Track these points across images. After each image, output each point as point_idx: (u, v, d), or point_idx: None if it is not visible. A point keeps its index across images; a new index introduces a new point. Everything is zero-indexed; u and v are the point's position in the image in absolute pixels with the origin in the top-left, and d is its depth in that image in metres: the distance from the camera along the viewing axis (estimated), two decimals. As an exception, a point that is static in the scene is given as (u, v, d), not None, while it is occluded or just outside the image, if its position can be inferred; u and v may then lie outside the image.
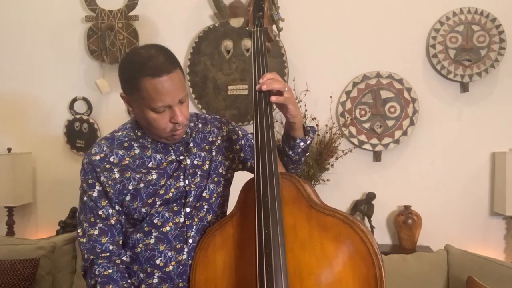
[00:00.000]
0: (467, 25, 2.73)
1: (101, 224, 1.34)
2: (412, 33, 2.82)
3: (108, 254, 1.33)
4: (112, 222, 1.34)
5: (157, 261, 1.33)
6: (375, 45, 2.85)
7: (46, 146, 3.15)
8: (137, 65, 1.24)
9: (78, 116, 3.09)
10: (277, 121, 2.75)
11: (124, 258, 1.36)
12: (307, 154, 1.48)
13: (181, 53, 3.01)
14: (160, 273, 1.33)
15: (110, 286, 1.28)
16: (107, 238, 1.33)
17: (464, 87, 2.75)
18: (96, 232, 1.33)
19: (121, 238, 1.36)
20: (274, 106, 1.37)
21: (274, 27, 1.54)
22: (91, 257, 1.33)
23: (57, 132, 3.14)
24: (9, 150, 3.08)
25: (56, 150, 3.14)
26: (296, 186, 1.24)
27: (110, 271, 1.31)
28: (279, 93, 1.29)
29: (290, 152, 1.42)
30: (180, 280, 1.34)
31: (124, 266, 1.35)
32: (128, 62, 1.28)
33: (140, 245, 1.35)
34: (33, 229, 3.18)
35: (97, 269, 1.31)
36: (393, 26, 2.83)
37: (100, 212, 1.34)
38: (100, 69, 3.06)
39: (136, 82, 1.24)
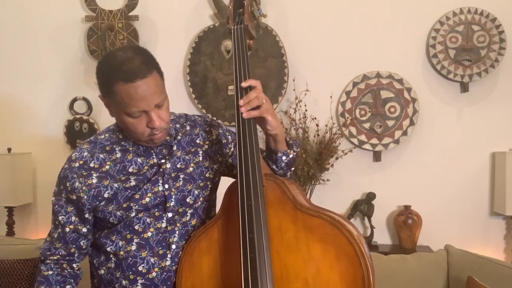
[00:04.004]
0: (467, 25, 2.73)
1: (60, 230, 1.35)
2: (412, 33, 2.82)
3: (57, 257, 1.35)
4: (67, 230, 1.34)
5: (140, 268, 1.31)
6: (375, 45, 2.84)
7: (46, 146, 3.15)
8: (111, 69, 1.20)
9: (78, 116, 3.09)
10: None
11: (74, 265, 1.37)
12: (292, 169, 1.43)
13: (181, 53, 3.01)
14: (143, 280, 1.31)
15: (42, 287, 1.31)
16: (60, 244, 1.35)
17: (464, 87, 2.75)
18: (55, 235, 1.36)
19: (74, 246, 1.35)
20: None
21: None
22: (42, 257, 1.37)
23: (57, 132, 3.14)
24: (9, 150, 3.08)
25: (56, 150, 3.14)
26: (281, 187, 1.21)
27: (50, 272, 1.33)
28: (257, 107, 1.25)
29: (274, 167, 1.38)
30: (165, 287, 1.32)
31: (73, 272, 1.36)
32: (104, 65, 1.24)
33: (121, 252, 1.32)
34: (33, 229, 3.18)
35: (42, 268, 1.35)
36: (393, 26, 2.83)
37: (60, 218, 1.34)
38: (100, 69, 3.05)
39: (110, 86, 1.20)
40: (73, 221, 1.34)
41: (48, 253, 1.36)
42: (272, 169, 1.39)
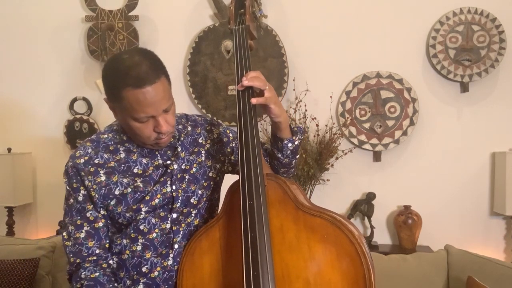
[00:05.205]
0: (467, 25, 2.73)
1: (88, 227, 1.30)
2: (412, 33, 2.82)
3: (95, 257, 1.30)
4: (100, 224, 1.31)
5: (143, 269, 1.30)
6: (375, 45, 2.85)
7: (46, 146, 3.15)
8: (119, 74, 1.18)
9: (78, 116, 3.09)
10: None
11: (110, 261, 1.33)
12: (297, 156, 1.44)
13: (181, 53, 3.01)
14: (145, 279, 1.30)
15: None
16: (93, 242, 1.30)
17: (464, 87, 2.75)
18: (82, 235, 1.30)
19: (107, 241, 1.33)
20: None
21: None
22: (78, 260, 1.30)
23: (57, 132, 3.14)
24: (9, 150, 3.08)
25: (56, 150, 3.14)
26: (282, 187, 1.21)
27: (97, 274, 1.27)
28: (261, 93, 1.27)
29: (279, 155, 1.39)
30: (167, 286, 1.31)
31: (110, 270, 1.32)
32: (111, 69, 1.22)
33: (127, 252, 1.32)
34: (33, 229, 3.18)
35: (83, 273, 1.28)
36: (393, 26, 2.83)
37: (88, 215, 1.30)
38: (100, 69, 3.05)
39: (118, 91, 1.18)
40: (98, 216, 1.31)
41: (84, 254, 1.29)
42: (277, 158, 1.40)
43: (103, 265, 1.31)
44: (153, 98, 1.19)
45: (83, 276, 1.27)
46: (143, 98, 1.17)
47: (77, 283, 1.28)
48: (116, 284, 1.30)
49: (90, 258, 1.30)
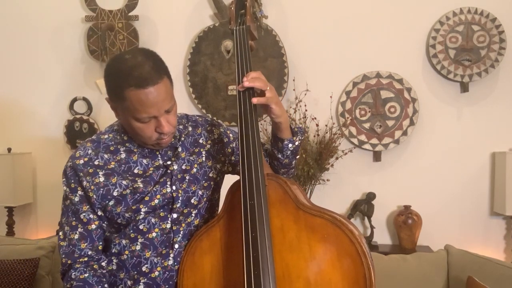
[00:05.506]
0: (467, 25, 2.74)
1: (82, 229, 1.31)
2: (412, 33, 2.82)
3: (86, 259, 1.30)
4: (93, 227, 1.31)
5: (143, 268, 1.31)
6: (375, 45, 2.85)
7: (46, 146, 3.15)
8: (121, 74, 1.18)
9: (78, 116, 3.09)
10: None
11: (103, 263, 1.33)
12: (297, 157, 1.45)
13: (181, 53, 3.01)
14: (146, 279, 1.31)
15: None
16: (86, 244, 1.30)
17: (464, 87, 2.75)
18: (76, 236, 1.31)
19: (101, 243, 1.33)
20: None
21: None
22: (69, 261, 1.31)
23: (57, 132, 3.14)
24: (9, 150, 3.08)
25: (56, 150, 3.14)
26: (283, 187, 1.22)
27: (86, 275, 1.28)
28: (262, 93, 1.27)
29: (280, 155, 1.39)
30: (167, 286, 1.31)
31: (103, 271, 1.32)
32: (113, 69, 1.22)
33: (126, 252, 1.32)
34: (33, 229, 3.18)
35: (73, 273, 1.29)
36: (393, 26, 2.83)
37: (81, 216, 1.30)
38: (100, 69, 3.06)
39: (120, 91, 1.19)
40: (93, 218, 1.31)
41: (75, 255, 1.30)
42: (277, 159, 1.40)
43: (94, 266, 1.31)
44: (156, 99, 1.19)
45: (73, 276, 1.28)
46: (145, 98, 1.18)
47: (67, 283, 1.29)
48: (106, 286, 1.30)
49: (81, 259, 1.30)
